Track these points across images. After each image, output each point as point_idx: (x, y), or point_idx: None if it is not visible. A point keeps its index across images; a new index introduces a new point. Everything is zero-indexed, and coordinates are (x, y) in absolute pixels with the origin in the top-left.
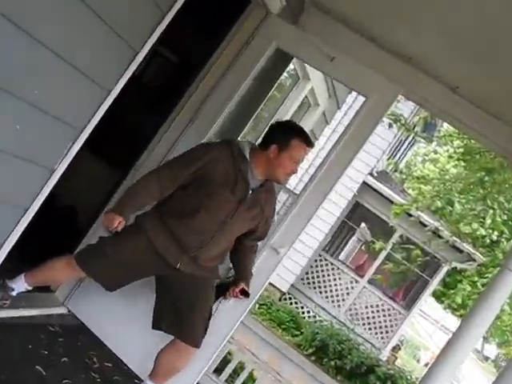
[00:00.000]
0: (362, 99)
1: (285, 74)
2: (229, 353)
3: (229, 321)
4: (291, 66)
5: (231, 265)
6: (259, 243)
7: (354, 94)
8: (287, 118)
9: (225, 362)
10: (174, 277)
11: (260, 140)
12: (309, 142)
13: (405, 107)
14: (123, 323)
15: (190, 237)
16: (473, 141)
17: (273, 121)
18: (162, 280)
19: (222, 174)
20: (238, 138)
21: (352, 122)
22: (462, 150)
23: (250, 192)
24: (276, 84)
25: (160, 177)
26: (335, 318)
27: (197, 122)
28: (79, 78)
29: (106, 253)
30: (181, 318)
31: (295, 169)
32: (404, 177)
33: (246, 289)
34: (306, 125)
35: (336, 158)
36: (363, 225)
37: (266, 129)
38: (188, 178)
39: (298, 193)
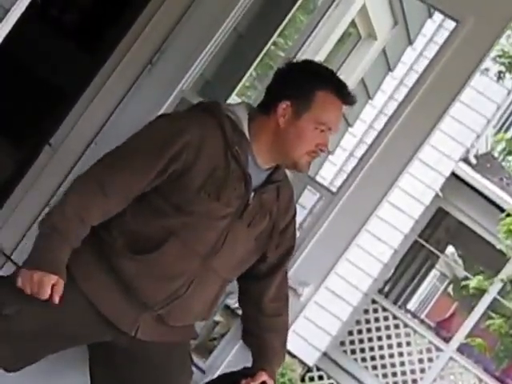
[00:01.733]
0: (450, 27)
1: None
2: None
3: None
4: None
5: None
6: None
7: (436, 18)
8: (321, 57)
9: None
10: (123, 346)
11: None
12: (345, 95)
13: None
14: None
15: (152, 285)
16: None
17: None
18: (100, 351)
19: (204, 170)
20: (233, 96)
21: (431, 64)
22: None
23: (253, 195)
24: (299, 0)
25: (105, 185)
26: None
27: (159, 67)
28: None
29: (4, 313)
30: None
31: (324, 142)
32: None
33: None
34: (355, 70)
35: (403, 126)
36: (451, 249)
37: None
38: (149, 183)
39: (334, 190)
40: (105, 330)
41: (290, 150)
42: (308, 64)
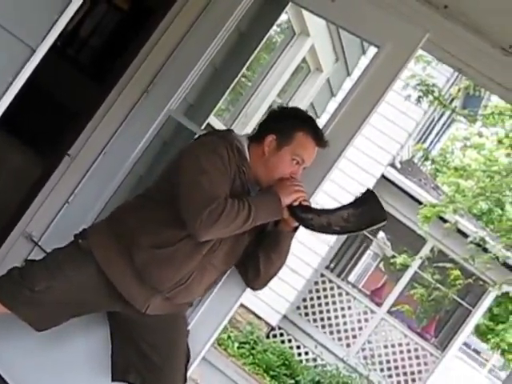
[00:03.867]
0: None
1: (275, 27)
2: None
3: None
4: (284, 17)
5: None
6: None
7: (369, 55)
8: (279, 86)
9: None
10: (135, 315)
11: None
12: (319, 139)
13: (439, 74)
14: (59, 374)
15: (162, 274)
16: None
17: (270, 102)
18: (117, 315)
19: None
20: (211, 116)
21: (357, 83)
22: None
23: None
24: (263, 41)
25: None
26: (343, 361)
27: (153, 94)
28: None
29: (36, 289)
30: (154, 368)
31: (296, 172)
32: (437, 168)
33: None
34: (305, 96)
35: (333, 133)
36: (381, 234)
37: (262, 114)
38: None
39: None
40: (119, 304)
41: (269, 174)
42: (295, 110)
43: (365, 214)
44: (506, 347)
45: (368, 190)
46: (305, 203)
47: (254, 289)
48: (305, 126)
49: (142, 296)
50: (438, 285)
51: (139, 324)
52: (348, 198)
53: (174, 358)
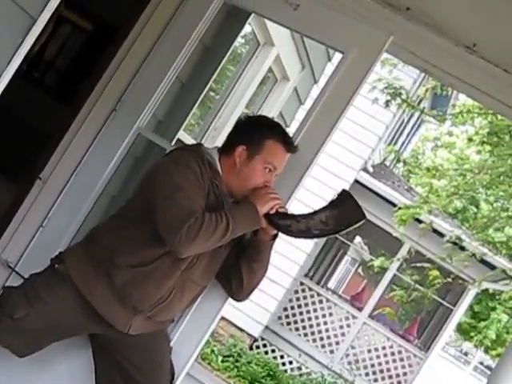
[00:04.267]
0: None
1: (240, 38)
2: None
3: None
4: (248, 28)
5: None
6: None
7: (334, 61)
8: (247, 97)
9: None
10: (117, 336)
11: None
12: (289, 145)
13: (406, 76)
14: None
15: (143, 293)
16: (500, 116)
17: (239, 112)
18: (99, 337)
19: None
20: (181, 131)
21: (324, 89)
22: (485, 129)
23: None
24: (228, 53)
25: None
26: (327, 368)
27: (121, 112)
28: None
29: (15, 317)
30: None
31: (269, 180)
32: (410, 170)
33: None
34: (274, 106)
35: (304, 140)
36: (358, 239)
37: (231, 127)
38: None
39: None
40: (100, 326)
41: (242, 184)
42: (261, 118)
43: (342, 214)
44: (490, 344)
45: (343, 190)
46: (281, 210)
47: (237, 300)
48: (273, 134)
49: (123, 317)
50: (418, 286)
51: (122, 344)
52: (322, 205)
53: (159, 377)
